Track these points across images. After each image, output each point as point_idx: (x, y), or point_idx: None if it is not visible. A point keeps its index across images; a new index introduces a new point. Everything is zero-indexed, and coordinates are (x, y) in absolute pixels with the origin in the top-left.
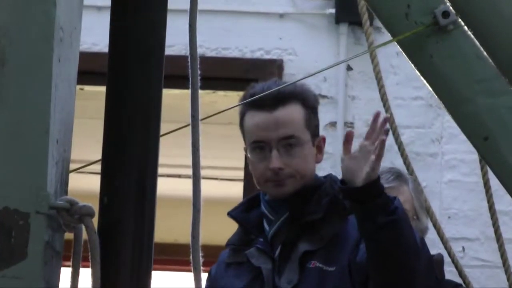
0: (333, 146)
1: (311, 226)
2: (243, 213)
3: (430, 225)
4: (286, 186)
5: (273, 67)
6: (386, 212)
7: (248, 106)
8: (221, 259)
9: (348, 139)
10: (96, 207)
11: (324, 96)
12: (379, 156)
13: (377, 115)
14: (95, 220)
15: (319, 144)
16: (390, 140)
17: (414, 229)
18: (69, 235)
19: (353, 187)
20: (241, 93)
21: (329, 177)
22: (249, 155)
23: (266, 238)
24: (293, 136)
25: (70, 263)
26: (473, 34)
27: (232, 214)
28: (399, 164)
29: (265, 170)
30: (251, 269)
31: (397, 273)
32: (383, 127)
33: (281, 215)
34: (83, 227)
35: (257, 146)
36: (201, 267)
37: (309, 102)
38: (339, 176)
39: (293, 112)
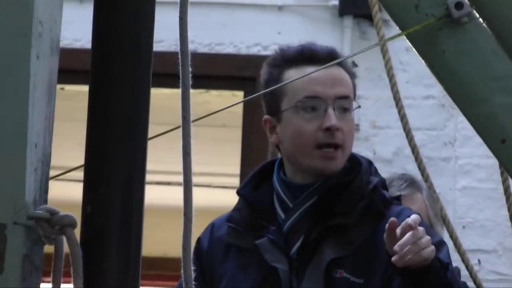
0: None
1: (340, 228)
2: (253, 191)
3: (446, 235)
4: (336, 161)
5: None
6: (441, 284)
7: (291, 62)
8: (216, 233)
9: (391, 231)
10: (78, 217)
11: None
12: (429, 248)
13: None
14: (77, 231)
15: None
16: (399, 143)
17: (444, 250)
18: (49, 248)
19: (414, 274)
20: (236, 92)
21: (364, 169)
22: (294, 115)
23: (280, 227)
24: (349, 97)
25: (50, 279)
26: (488, 27)
27: (242, 193)
28: (408, 169)
29: (316, 131)
30: (261, 265)
31: None
32: (407, 230)
33: (302, 204)
34: (64, 239)
35: (310, 103)
36: (193, 283)
37: (352, 72)
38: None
39: (346, 75)
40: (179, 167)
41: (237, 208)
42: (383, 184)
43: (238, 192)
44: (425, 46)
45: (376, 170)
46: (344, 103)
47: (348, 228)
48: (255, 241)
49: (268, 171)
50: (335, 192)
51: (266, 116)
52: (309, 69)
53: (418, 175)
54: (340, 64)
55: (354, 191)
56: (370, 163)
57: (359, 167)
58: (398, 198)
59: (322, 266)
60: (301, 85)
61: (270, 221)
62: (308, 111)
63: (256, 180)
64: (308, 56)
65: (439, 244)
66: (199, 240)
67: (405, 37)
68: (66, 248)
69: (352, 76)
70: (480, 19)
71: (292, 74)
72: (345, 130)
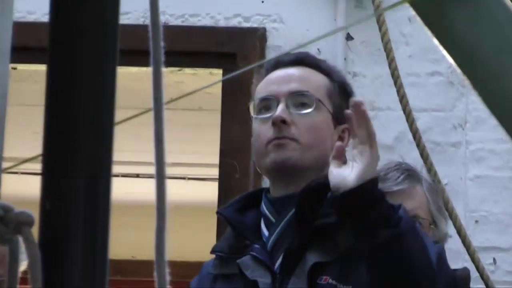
0: None
1: (323, 233)
2: (237, 213)
3: (453, 231)
4: (287, 150)
5: (254, 38)
6: (387, 223)
7: (263, 75)
8: (204, 271)
9: (338, 154)
10: (36, 214)
11: None
12: (371, 141)
13: (357, 105)
14: (35, 230)
15: (342, 133)
16: (402, 126)
17: (428, 244)
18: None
19: (343, 193)
20: (214, 71)
21: None
22: (255, 122)
23: (264, 245)
24: (307, 92)
25: (5, 286)
26: None
27: (223, 214)
28: (413, 157)
29: (269, 130)
30: (245, 283)
31: None
32: (361, 112)
33: (284, 217)
34: (20, 239)
35: (264, 105)
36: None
37: (335, 77)
38: None
39: (313, 74)
40: (149, 157)
41: (222, 238)
42: None
43: (218, 212)
44: (431, 15)
45: None
46: (299, 98)
47: (332, 232)
48: None
49: (258, 198)
50: (314, 196)
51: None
52: (274, 74)
53: (420, 162)
54: (310, 65)
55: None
56: None
57: None
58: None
59: (305, 272)
60: (261, 89)
61: (254, 241)
62: (263, 112)
63: (242, 203)
64: (274, 63)
65: (431, 245)
66: (189, 286)
67: (407, 5)
68: (22, 249)
69: (328, 74)
70: None
71: (259, 85)
72: (301, 125)
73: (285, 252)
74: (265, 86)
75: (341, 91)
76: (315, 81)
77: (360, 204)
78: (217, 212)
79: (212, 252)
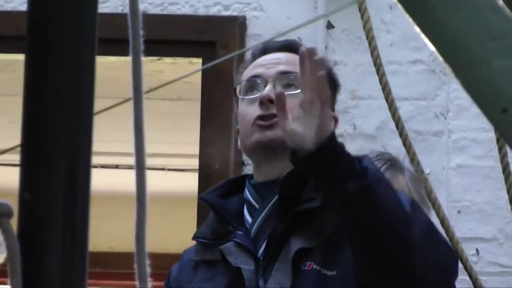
0: None
1: (307, 218)
2: (220, 198)
3: (436, 222)
4: (275, 129)
5: (234, 26)
6: (353, 176)
7: (249, 61)
8: (185, 257)
9: (280, 103)
10: (15, 205)
11: None
12: (324, 99)
13: (302, 54)
14: (13, 222)
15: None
16: (384, 115)
17: (398, 192)
18: None
19: (304, 155)
20: (193, 60)
21: None
22: (240, 104)
23: (247, 231)
24: (295, 74)
25: None
26: None
27: (205, 198)
28: (395, 146)
29: (253, 111)
30: (228, 269)
31: (384, 251)
32: (313, 61)
33: (268, 203)
34: None
35: (250, 85)
36: (148, 280)
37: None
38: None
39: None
40: (128, 148)
41: (205, 224)
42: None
43: (201, 197)
44: (413, 2)
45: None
46: (287, 79)
47: (316, 217)
48: None
49: (242, 184)
50: (297, 181)
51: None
52: (262, 58)
53: (404, 152)
54: (298, 51)
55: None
56: None
57: None
58: None
59: (289, 258)
60: (245, 73)
61: (238, 227)
62: (250, 93)
63: (225, 189)
64: (261, 49)
65: (401, 194)
66: (169, 272)
67: None
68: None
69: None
70: None
71: (247, 69)
72: (290, 103)
73: (268, 238)
74: (252, 68)
75: (328, 79)
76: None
77: (323, 163)
78: (200, 197)
79: (194, 238)
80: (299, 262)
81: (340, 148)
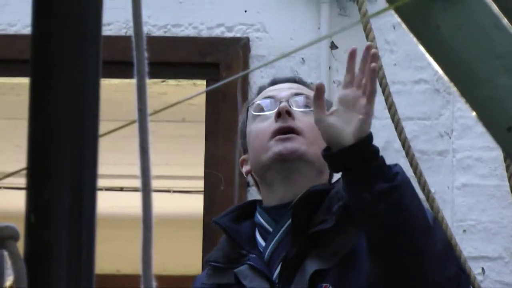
0: None
1: (321, 239)
2: (232, 222)
3: None
4: (295, 142)
5: (237, 47)
6: (384, 178)
7: (256, 95)
8: (197, 283)
9: (319, 94)
10: (20, 228)
11: None
12: (372, 94)
13: (353, 51)
14: (20, 245)
15: None
16: (388, 135)
17: (423, 205)
18: None
19: (340, 150)
20: (197, 82)
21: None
22: (251, 125)
23: (260, 254)
24: (308, 97)
25: None
26: None
27: (219, 222)
28: (402, 165)
29: (270, 125)
30: None
31: (402, 256)
32: (369, 55)
33: (281, 226)
34: (5, 254)
35: (263, 106)
36: None
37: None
38: None
39: (305, 88)
40: (132, 170)
41: (216, 248)
42: None
43: (214, 221)
44: (417, 21)
45: None
46: (301, 99)
47: (329, 238)
48: None
49: (252, 209)
50: (311, 204)
51: (241, 157)
52: (271, 87)
53: (409, 172)
54: (305, 83)
55: (332, 197)
56: None
57: (336, 182)
58: None
59: (305, 280)
60: (257, 100)
61: (251, 250)
62: (262, 111)
63: (237, 213)
64: (268, 84)
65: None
66: None
67: (392, 12)
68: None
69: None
70: None
71: (255, 100)
72: (304, 122)
73: (283, 260)
74: (264, 94)
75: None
76: (311, 92)
77: (357, 160)
78: (213, 221)
79: (207, 262)
80: (315, 284)
81: (376, 147)
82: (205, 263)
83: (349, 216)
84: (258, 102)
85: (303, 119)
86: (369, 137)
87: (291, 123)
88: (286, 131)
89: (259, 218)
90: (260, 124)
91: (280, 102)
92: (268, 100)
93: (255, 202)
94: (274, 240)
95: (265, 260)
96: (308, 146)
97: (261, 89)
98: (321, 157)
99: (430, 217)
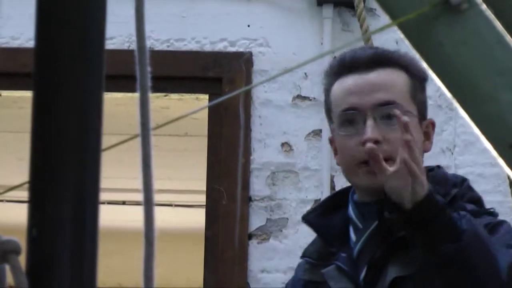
0: (318, 160)
1: (404, 245)
2: (321, 218)
3: None
4: (382, 175)
5: (240, 62)
6: (448, 238)
7: (336, 73)
8: (297, 274)
9: (375, 157)
10: (22, 242)
11: (305, 98)
12: (409, 163)
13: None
14: (22, 259)
15: (427, 128)
16: None
17: (498, 252)
18: None
19: (401, 213)
20: (199, 96)
21: (434, 176)
22: (337, 134)
23: (351, 252)
24: (394, 102)
25: None
26: (493, 14)
27: (308, 220)
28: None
29: (357, 147)
30: None
31: None
32: (401, 125)
33: (370, 224)
34: (7, 267)
35: (347, 117)
36: None
37: (415, 71)
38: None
39: (395, 76)
40: (134, 184)
41: (312, 241)
42: (471, 197)
43: (303, 218)
44: (420, 37)
45: (468, 186)
46: (386, 110)
47: (412, 244)
48: None
49: (345, 198)
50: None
51: (330, 136)
52: (350, 79)
53: None
54: (389, 63)
55: None
56: (462, 180)
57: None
58: (492, 213)
59: (385, 287)
60: (339, 98)
61: (341, 248)
62: (347, 125)
63: (327, 206)
64: (348, 65)
65: (503, 253)
66: (286, 286)
67: (395, 28)
68: (9, 278)
69: (408, 70)
70: (483, 5)
71: (335, 88)
72: (392, 140)
73: (368, 263)
74: (344, 96)
75: (421, 85)
76: (398, 85)
77: (418, 223)
78: (302, 219)
79: (302, 256)
80: None
81: (437, 207)
82: (300, 257)
83: None
84: (340, 111)
85: (391, 136)
86: (428, 196)
87: (379, 150)
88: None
89: (351, 212)
90: (348, 141)
91: (365, 116)
92: (351, 112)
93: (348, 191)
94: (363, 238)
95: (354, 258)
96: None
97: (339, 72)
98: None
99: (508, 262)
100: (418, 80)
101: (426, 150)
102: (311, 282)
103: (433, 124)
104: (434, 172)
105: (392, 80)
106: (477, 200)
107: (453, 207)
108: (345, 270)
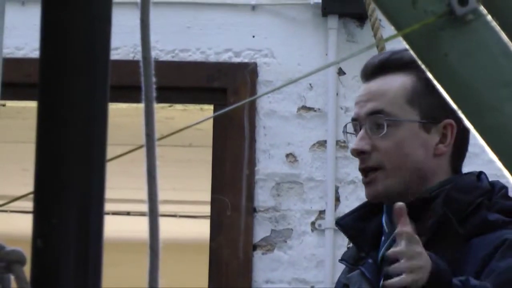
0: (322, 171)
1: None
2: (357, 222)
3: None
4: (375, 184)
5: (245, 73)
6: None
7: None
8: (341, 276)
9: (401, 217)
10: (27, 253)
11: (310, 108)
12: (404, 266)
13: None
14: (26, 269)
15: (444, 130)
16: None
17: None
18: None
19: None
20: (204, 106)
21: (458, 183)
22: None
23: (377, 258)
24: (382, 111)
25: None
26: (498, 25)
27: (341, 223)
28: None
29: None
30: None
31: None
32: (399, 219)
33: (394, 228)
34: (12, 278)
35: (353, 127)
36: None
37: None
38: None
39: (391, 83)
40: (139, 194)
41: (351, 246)
42: (502, 207)
43: (336, 223)
44: (425, 48)
45: (503, 195)
46: (375, 119)
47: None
48: None
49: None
50: (416, 212)
51: None
52: (360, 88)
53: None
54: (394, 67)
55: (432, 211)
56: (500, 188)
57: (448, 185)
58: None
59: None
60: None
61: (370, 253)
62: (353, 134)
63: (365, 210)
64: (361, 74)
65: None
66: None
67: (401, 39)
68: None
69: (416, 72)
70: (488, 16)
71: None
72: (382, 149)
73: (385, 273)
74: (355, 103)
75: (431, 86)
76: (391, 92)
77: None
78: (336, 223)
79: (341, 260)
80: None
81: (444, 283)
82: (339, 261)
83: (443, 231)
84: (351, 118)
85: (381, 145)
86: (430, 279)
87: (368, 162)
88: (365, 174)
89: (382, 216)
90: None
91: (361, 127)
92: (353, 123)
93: None
94: (387, 243)
95: (378, 264)
96: (391, 177)
97: (362, 77)
98: (413, 163)
99: None
100: (427, 80)
101: (439, 154)
102: (346, 285)
103: (451, 126)
104: (461, 179)
105: (383, 89)
106: (509, 210)
107: (474, 216)
108: (365, 275)
